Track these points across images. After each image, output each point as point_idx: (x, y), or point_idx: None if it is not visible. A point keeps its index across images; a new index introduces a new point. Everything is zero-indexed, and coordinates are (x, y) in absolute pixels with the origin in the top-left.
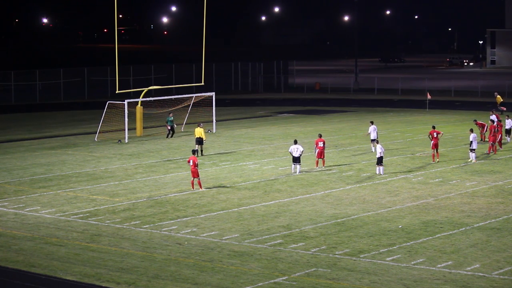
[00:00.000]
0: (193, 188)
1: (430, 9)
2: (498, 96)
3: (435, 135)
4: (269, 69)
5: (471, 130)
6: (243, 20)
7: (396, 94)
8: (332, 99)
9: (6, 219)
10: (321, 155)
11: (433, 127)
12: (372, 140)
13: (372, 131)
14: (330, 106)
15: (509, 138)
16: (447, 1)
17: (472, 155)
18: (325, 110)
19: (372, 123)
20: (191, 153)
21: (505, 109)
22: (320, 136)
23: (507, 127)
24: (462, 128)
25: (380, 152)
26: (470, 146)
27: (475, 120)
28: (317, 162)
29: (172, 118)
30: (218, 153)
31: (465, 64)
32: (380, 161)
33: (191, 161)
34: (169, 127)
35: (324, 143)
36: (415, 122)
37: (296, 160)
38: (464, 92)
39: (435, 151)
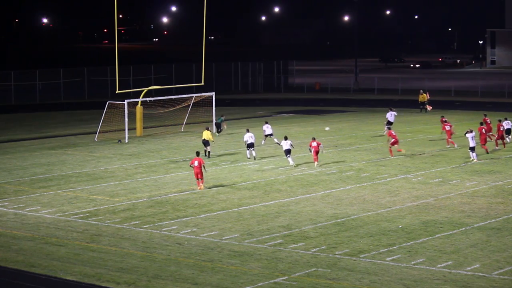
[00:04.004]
0: (198, 186)
1: (430, 9)
2: (423, 94)
3: (447, 127)
4: (269, 69)
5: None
6: (243, 20)
7: (396, 94)
8: (332, 99)
9: (6, 219)
10: (316, 153)
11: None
12: (268, 135)
13: (266, 129)
14: (330, 106)
15: (508, 138)
16: (447, 1)
17: (473, 155)
18: (325, 110)
19: (266, 122)
20: (195, 154)
21: (431, 108)
22: (314, 139)
23: (507, 127)
24: (462, 128)
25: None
26: (469, 145)
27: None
28: (315, 159)
29: (223, 118)
30: (218, 153)
31: (458, 62)
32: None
33: (196, 162)
34: (219, 125)
35: (318, 144)
36: (415, 122)
37: (288, 152)
38: (464, 92)
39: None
